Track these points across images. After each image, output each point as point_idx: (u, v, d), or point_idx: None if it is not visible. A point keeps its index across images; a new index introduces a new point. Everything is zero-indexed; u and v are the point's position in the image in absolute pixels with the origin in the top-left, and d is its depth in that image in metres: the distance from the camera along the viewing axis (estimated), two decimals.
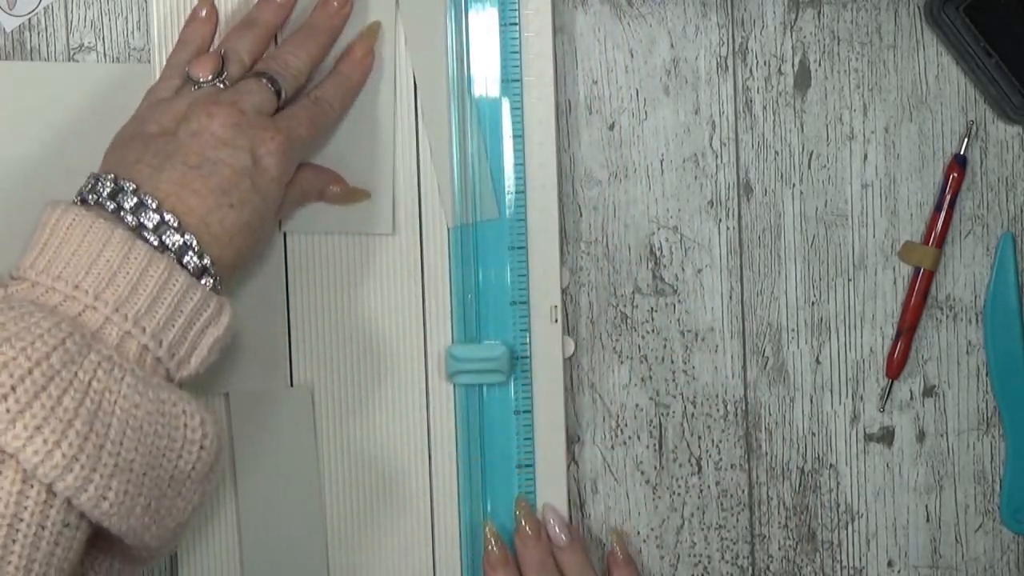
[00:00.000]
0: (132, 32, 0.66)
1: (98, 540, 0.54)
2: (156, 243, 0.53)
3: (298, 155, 0.59)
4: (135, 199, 0.53)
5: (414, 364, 0.66)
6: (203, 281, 0.54)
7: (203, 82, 0.59)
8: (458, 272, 0.65)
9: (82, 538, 0.49)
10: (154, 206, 0.53)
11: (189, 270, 0.53)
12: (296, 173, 0.61)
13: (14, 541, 0.46)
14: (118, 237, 0.52)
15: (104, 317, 0.51)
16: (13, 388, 0.46)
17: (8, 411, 0.46)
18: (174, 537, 0.54)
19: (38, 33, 0.66)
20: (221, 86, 0.58)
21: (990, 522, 0.70)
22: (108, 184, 0.54)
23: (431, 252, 0.66)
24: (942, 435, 0.70)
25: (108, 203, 0.53)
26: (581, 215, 0.68)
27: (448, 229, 0.65)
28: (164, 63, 0.63)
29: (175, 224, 0.53)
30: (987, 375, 0.70)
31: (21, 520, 0.46)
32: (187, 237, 0.53)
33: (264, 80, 0.58)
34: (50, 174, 0.64)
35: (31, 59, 0.66)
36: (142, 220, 0.53)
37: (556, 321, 0.66)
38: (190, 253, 0.53)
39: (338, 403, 0.66)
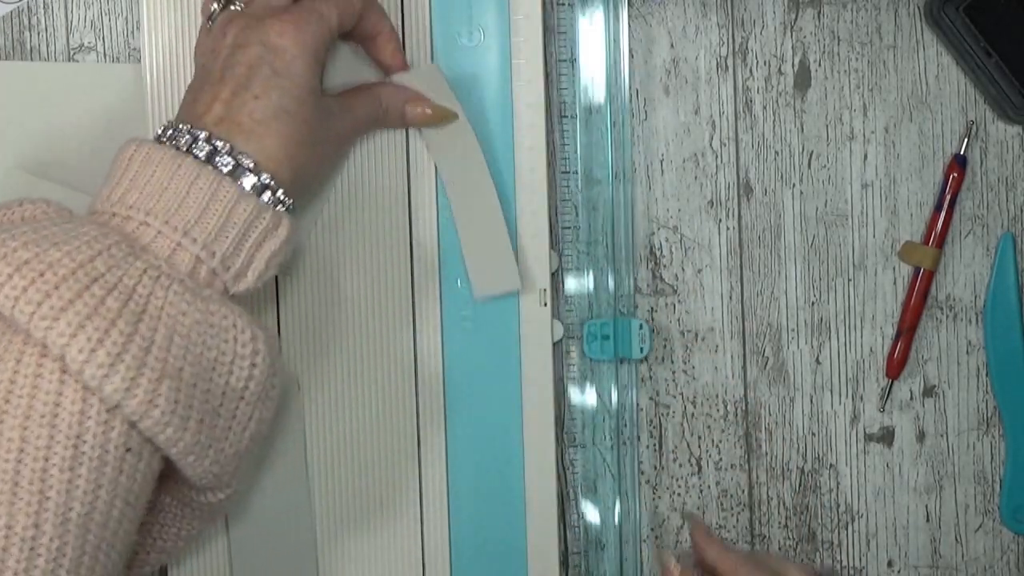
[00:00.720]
0: (132, 32, 0.66)
1: (165, 499, 0.54)
2: (215, 168, 0.53)
3: (324, 31, 0.57)
4: (171, 130, 0.54)
5: (403, 348, 0.66)
6: (245, 182, 0.53)
7: (215, 11, 0.58)
8: (449, 256, 0.66)
9: (146, 471, 0.50)
10: (186, 128, 0.54)
11: (230, 174, 0.53)
12: (373, 86, 0.62)
13: (80, 464, 0.47)
14: (167, 156, 0.53)
15: (156, 231, 0.51)
16: (56, 287, 0.47)
17: (52, 308, 0.47)
18: (235, 470, 0.54)
19: (38, 33, 0.66)
20: (238, 8, 0.58)
21: (990, 522, 0.70)
22: (161, 128, 0.55)
23: (420, 237, 0.66)
24: (942, 435, 0.70)
25: (162, 141, 0.55)
26: (580, 215, 0.68)
27: (437, 211, 0.65)
28: (154, 62, 0.64)
29: (203, 136, 0.53)
30: (987, 375, 0.70)
31: (85, 441, 0.47)
32: (216, 143, 0.53)
33: None
34: (50, 174, 0.65)
35: (31, 59, 0.66)
36: (179, 144, 0.53)
37: (545, 304, 0.66)
38: (224, 156, 0.53)
39: (326, 388, 0.66)
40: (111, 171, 0.54)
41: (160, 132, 0.55)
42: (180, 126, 0.54)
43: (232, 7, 0.58)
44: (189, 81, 0.64)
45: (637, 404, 0.68)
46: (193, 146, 0.53)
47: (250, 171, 0.53)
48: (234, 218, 0.52)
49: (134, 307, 0.49)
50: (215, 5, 0.59)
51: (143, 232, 0.51)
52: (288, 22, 0.56)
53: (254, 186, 0.53)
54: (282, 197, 0.54)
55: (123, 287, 0.49)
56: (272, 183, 0.54)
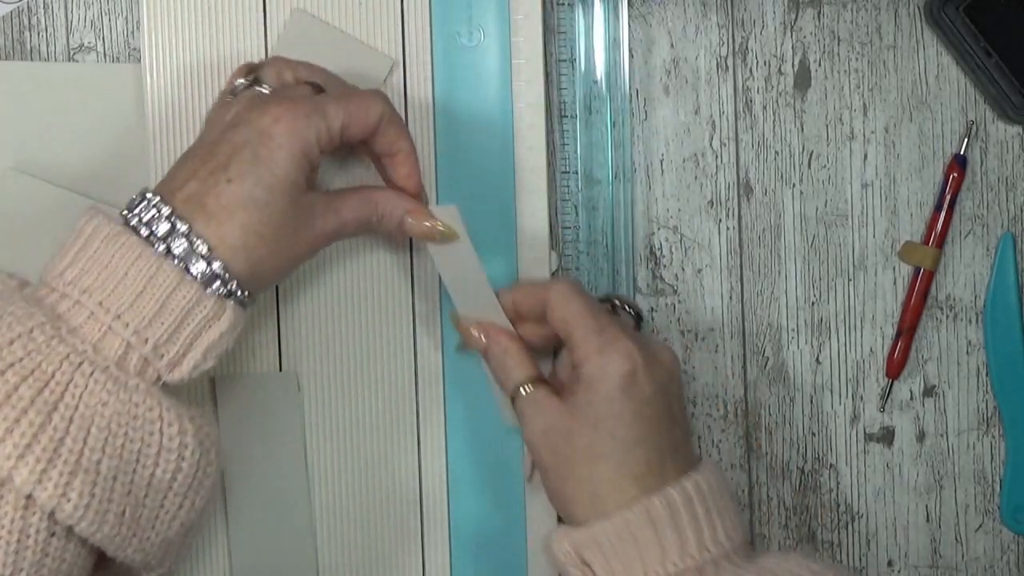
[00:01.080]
0: (132, 32, 0.66)
1: (109, 562, 0.53)
2: (147, 234, 0.51)
3: (322, 130, 0.54)
4: (142, 200, 0.52)
5: (403, 347, 0.66)
6: (194, 268, 0.51)
7: (239, 86, 0.57)
8: None
9: (77, 551, 0.49)
10: (155, 200, 0.52)
11: (178, 257, 0.51)
12: (371, 189, 0.58)
13: None
14: (112, 232, 0.51)
15: (88, 312, 0.50)
16: None
17: None
18: (164, 555, 0.52)
19: (38, 33, 0.66)
20: (264, 90, 0.56)
21: (990, 522, 0.70)
22: (134, 197, 0.53)
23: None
24: (942, 435, 0.70)
25: (125, 212, 0.53)
26: (580, 215, 0.68)
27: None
28: (154, 62, 0.64)
29: (167, 212, 0.51)
30: (987, 375, 0.70)
31: (2, 526, 0.46)
32: (176, 222, 0.51)
33: (308, 85, 0.57)
34: (50, 174, 0.65)
35: (31, 59, 0.66)
36: (142, 217, 0.52)
37: None
38: (179, 238, 0.51)
39: (326, 388, 0.66)
40: (64, 240, 0.52)
41: (132, 199, 0.53)
42: (151, 196, 0.52)
43: (258, 88, 0.56)
44: (189, 81, 0.64)
45: None
46: (154, 222, 0.51)
47: (202, 257, 0.51)
48: (172, 304, 0.50)
49: (49, 395, 0.47)
50: (241, 81, 0.57)
51: (75, 312, 0.50)
52: (287, 110, 0.53)
53: (203, 273, 0.51)
54: (233, 288, 0.52)
55: (40, 373, 0.47)
56: (224, 273, 0.51)
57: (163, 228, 0.51)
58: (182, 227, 0.51)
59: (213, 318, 0.51)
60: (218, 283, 0.51)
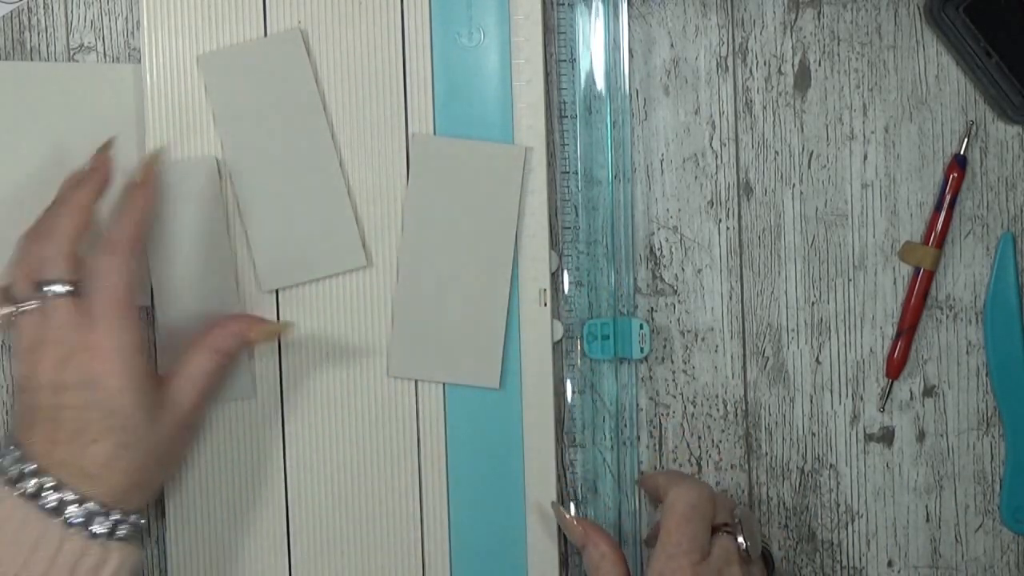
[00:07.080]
0: (132, 32, 0.66)
1: None
2: (41, 507, 0.53)
3: (131, 300, 0.57)
4: (18, 467, 0.54)
5: None
6: (96, 528, 0.53)
7: (14, 316, 0.57)
8: None
9: None
10: (31, 469, 0.54)
11: (82, 524, 0.53)
12: (201, 341, 0.60)
13: None
14: (7, 504, 0.53)
15: None
16: None
17: None
18: None
19: (38, 33, 0.66)
20: (32, 307, 0.57)
21: (990, 522, 0.70)
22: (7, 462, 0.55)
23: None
24: (942, 435, 0.70)
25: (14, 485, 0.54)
26: (580, 215, 0.68)
27: None
28: (154, 62, 0.64)
29: (50, 483, 0.53)
30: (987, 375, 0.70)
31: None
32: (66, 494, 0.53)
33: (49, 292, 0.56)
34: (50, 175, 0.65)
35: (31, 59, 0.66)
36: (28, 489, 0.53)
37: (545, 304, 0.66)
38: (72, 507, 0.53)
39: (325, 387, 0.65)
40: None
41: (7, 467, 0.54)
42: (27, 467, 0.54)
43: (27, 306, 0.57)
44: (189, 81, 0.64)
45: (637, 404, 0.68)
46: (41, 494, 0.53)
47: (98, 515, 0.54)
48: (60, 561, 0.52)
49: None
50: (7, 310, 0.57)
51: None
52: (103, 334, 0.55)
53: (101, 532, 0.54)
54: (136, 521, 0.55)
55: None
56: (120, 517, 0.54)
57: (53, 500, 0.53)
58: (71, 497, 0.53)
59: (97, 566, 0.53)
60: (124, 528, 0.55)
